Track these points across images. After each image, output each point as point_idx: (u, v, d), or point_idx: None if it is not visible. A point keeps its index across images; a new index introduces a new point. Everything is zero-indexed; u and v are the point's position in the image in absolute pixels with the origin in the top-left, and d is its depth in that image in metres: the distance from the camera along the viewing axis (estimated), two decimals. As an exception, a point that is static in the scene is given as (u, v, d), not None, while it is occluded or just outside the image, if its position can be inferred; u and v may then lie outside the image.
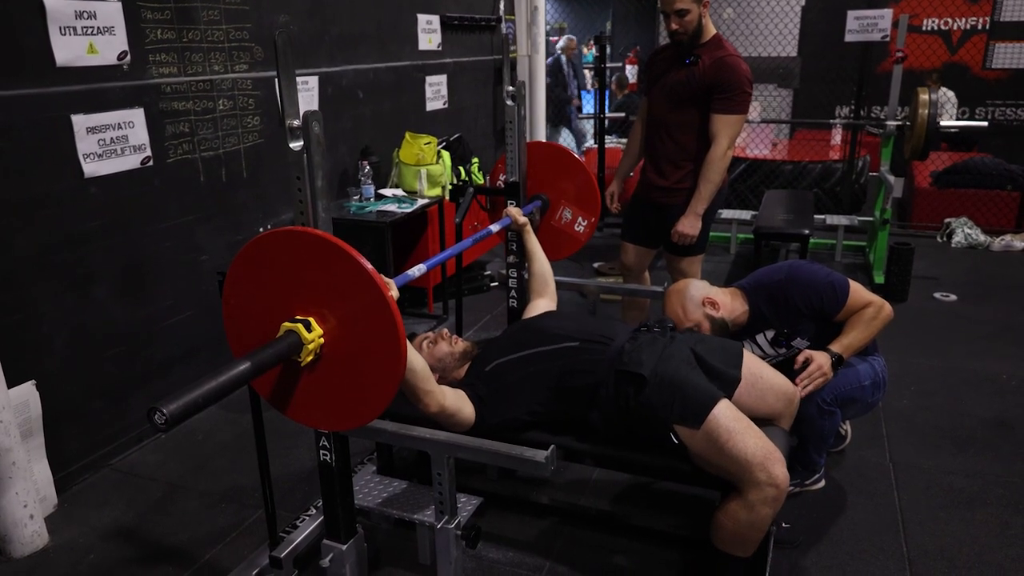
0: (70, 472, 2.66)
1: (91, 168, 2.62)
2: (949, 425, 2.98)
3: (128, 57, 2.71)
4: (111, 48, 2.65)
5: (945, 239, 5.63)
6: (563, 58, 8.42)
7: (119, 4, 2.66)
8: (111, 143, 2.68)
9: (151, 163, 2.85)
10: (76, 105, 2.56)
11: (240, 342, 1.56)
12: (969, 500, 2.50)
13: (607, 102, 6.02)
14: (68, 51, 2.51)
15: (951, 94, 6.96)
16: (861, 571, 2.18)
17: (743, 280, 2.42)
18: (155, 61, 2.83)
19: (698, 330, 2.29)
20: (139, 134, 2.79)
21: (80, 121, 2.57)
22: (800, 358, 2.17)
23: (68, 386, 2.64)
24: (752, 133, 6.79)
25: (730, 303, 2.34)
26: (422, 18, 4.65)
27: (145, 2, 2.76)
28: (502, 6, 5.61)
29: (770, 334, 2.36)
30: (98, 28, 2.59)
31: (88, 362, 2.71)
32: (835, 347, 2.18)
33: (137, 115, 2.77)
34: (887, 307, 2.26)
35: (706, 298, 2.31)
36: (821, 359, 2.16)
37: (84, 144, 2.59)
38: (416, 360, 1.79)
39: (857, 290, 2.27)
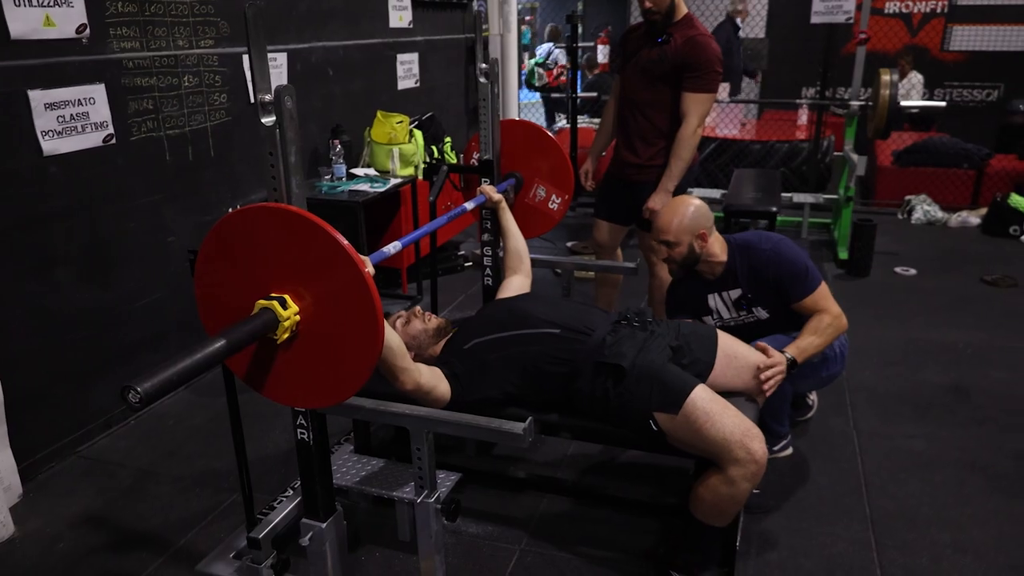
0: (35, 460, 2.61)
1: (50, 146, 2.55)
2: (909, 392, 3.08)
3: (87, 30, 2.63)
4: (69, 21, 2.57)
5: (905, 216, 5.76)
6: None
7: (77, -25, 2.58)
8: (71, 120, 2.61)
9: (114, 141, 2.78)
10: (33, 80, 2.48)
11: (214, 321, 1.54)
12: (928, 462, 2.59)
13: (579, 82, 6.00)
14: (23, 23, 2.42)
15: (919, 77, 7.10)
16: (827, 533, 2.25)
17: (734, 235, 2.46)
18: (116, 35, 2.75)
19: (670, 248, 2.36)
20: (100, 111, 2.71)
21: (38, 97, 2.49)
22: (762, 364, 2.08)
23: (31, 372, 2.58)
24: (721, 113, 6.85)
25: (715, 248, 2.38)
26: (391, -5, 4.58)
27: (105, -26, 2.68)
28: (473, -16, 5.56)
29: (735, 293, 2.39)
30: (55, 0, 2.51)
31: (52, 347, 2.65)
32: (790, 350, 2.17)
33: (98, 91, 2.69)
34: (844, 320, 2.29)
35: (703, 231, 2.34)
36: (780, 361, 2.10)
37: (42, 121, 2.51)
38: (392, 338, 1.79)
39: (825, 291, 2.31)
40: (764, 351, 2.12)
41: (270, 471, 2.58)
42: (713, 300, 2.44)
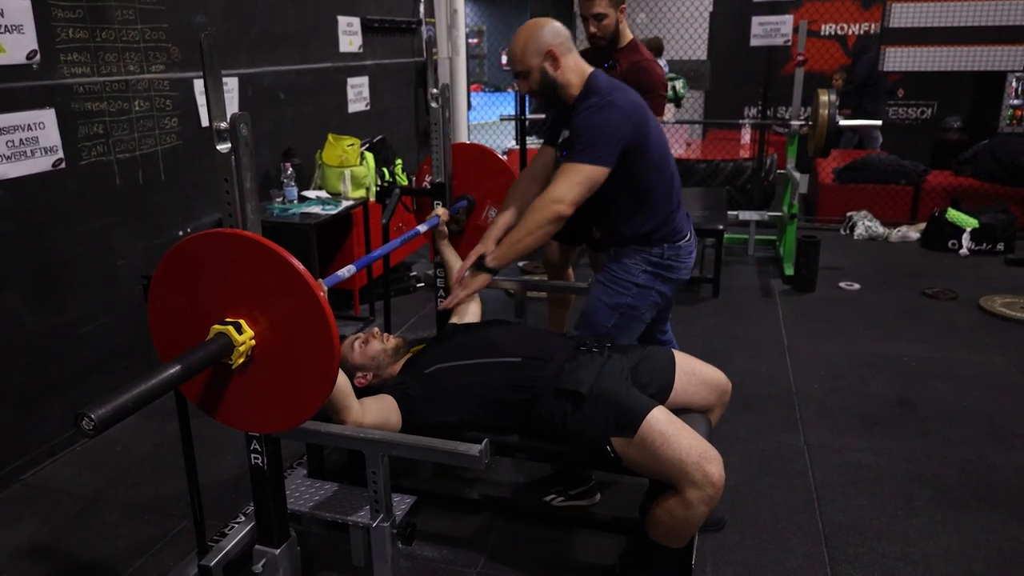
0: (-22, 489, 2.54)
1: (-1, 171, 2.52)
2: (857, 406, 3.16)
3: (38, 56, 2.61)
4: (20, 47, 2.55)
5: (848, 231, 5.94)
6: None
7: (28, 2, 2.56)
8: (20, 144, 2.58)
9: (63, 165, 2.75)
10: (-19, 106, 2.45)
11: (167, 347, 1.53)
12: (877, 475, 2.66)
13: (527, 104, 6.09)
14: (-29, 49, 2.40)
15: (855, 97, 7.37)
16: (781, 548, 2.29)
17: (603, 78, 2.20)
18: (67, 61, 2.73)
19: (525, 79, 2.17)
20: (50, 135, 2.68)
21: (-15, 122, 2.46)
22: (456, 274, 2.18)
23: (-26, 399, 2.52)
24: (667, 133, 6.98)
25: (572, 73, 2.16)
26: (342, 20, 4.62)
27: (56, 0, 2.66)
28: (422, 9, 5.62)
29: (567, 133, 2.22)
30: (6, 26, 2.49)
31: (-4, 372, 2.59)
32: (490, 253, 2.16)
33: (48, 116, 2.67)
34: (556, 207, 2.06)
35: (552, 50, 2.11)
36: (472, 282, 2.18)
37: (-10, 146, 2.48)
38: (339, 377, 1.79)
39: (578, 170, 2.05)
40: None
41: (221, 497, 2.54)
42: (563, 135, 2.27)
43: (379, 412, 1.93)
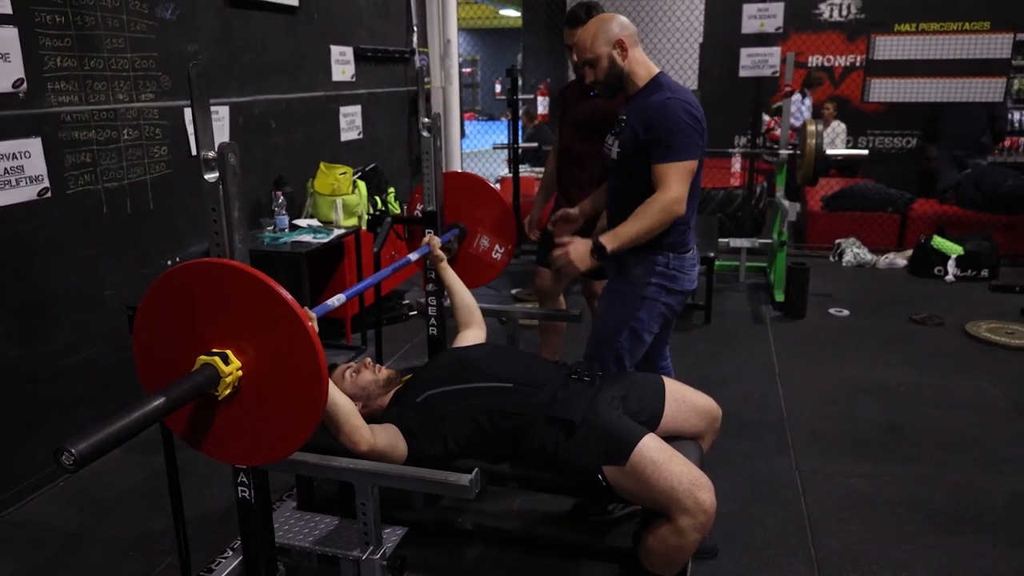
0: (-41, 526, 2.49)
1: (-17, 200, 2.50)
2: (848, 431, 3.16)
3: (24, 85, 2.61)
4: (6, 75, 2.55)
5: (836, 258, 5.99)
6: None
7: (15, 30, 2.56)
8: (5, 174, 2.57)
9: (49, 195, 2.74)
10: (-34, 135, 2.44)
11: (153, 378, 1.51)
12: (869, 500, 2.66)
13: (520, 132, 6.14)
14: (-42, 79, 2.40)
15: (843, 126, 7.47)
16: (774, 574, 2.28)
17: (671, 82, 2.32)
18: (54, 89, 2.73)
19: (592, 67, 2.26)
20: (36, 164, 2.67)
21: (-30, 152, 2.45)
22: (558, 252, 2.18)
23: (-44, 433, 2.48)
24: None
25: (639, 65, 2.28)
26: (335, 49, 4.65)
27: (44, 29, 2.67)
28: (415, 39, 5.68)
29: (623, 116, 2.32)
30: (-9, 55, 2.49)
31: (-21, 406, 2.55)
32: (604, 237, 2.15)
33: (34, 145, 2.66)
34: (678, 206, 2.15)
35: (619, 39, 2.23)
36: (579, 247, 2.17)
37: (-25, 176, 2.47)
38: (342, 400, 1.78)
39: (680, 168, 2.14)
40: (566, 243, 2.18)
41: (208, 530, 2.50)
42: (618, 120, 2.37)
43: (387, 436, 1.91)
